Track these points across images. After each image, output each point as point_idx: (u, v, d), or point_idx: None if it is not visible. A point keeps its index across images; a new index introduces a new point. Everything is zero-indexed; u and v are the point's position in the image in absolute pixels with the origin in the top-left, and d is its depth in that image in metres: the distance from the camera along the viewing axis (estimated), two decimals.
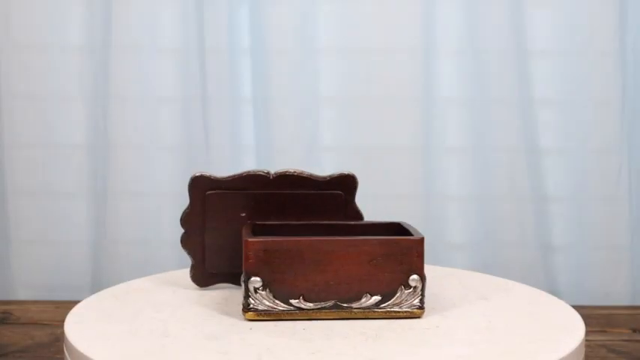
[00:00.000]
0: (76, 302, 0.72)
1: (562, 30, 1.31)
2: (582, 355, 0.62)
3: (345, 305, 0.65)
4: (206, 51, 1.29)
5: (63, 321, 0.65)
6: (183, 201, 1.39)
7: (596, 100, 1.31)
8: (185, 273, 0.76)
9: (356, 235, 0.70)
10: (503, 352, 0.57)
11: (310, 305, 0.64)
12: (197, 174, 0.73)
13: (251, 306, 0.64)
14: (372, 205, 1.32)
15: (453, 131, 1.33)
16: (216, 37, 1.29)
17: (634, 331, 1.16)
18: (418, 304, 0.66)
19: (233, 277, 0.73)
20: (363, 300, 0.65)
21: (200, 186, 0.73)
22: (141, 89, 1.31)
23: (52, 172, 1.32)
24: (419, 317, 0.66)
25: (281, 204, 0.74)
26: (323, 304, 0.64)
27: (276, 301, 0.64)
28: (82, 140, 1.32)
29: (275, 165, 1.31)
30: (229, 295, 0.72)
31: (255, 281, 0.64)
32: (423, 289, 0.66)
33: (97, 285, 1.31)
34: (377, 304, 0.65)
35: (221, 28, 1.30)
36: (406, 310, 0.65)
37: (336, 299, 0.65)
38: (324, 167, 1.33)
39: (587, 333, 0.65)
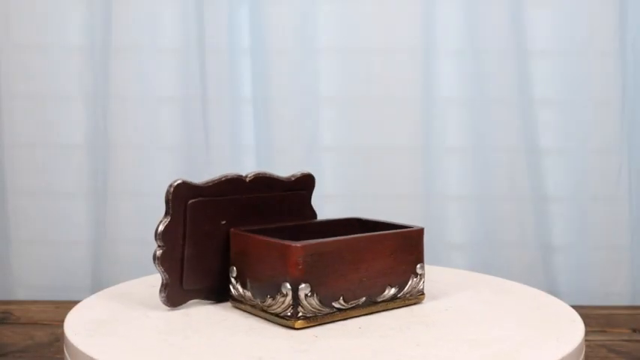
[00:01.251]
0: (76, 302, 0.72)
1: (562, 30, 1.31)
2: (582, 355, 0.62)
3: (372, 300, 0.66)
4: (206, 51, 1.30)
5: (63, 321, 0.65)
6: None
7: (596, 100, 1.31)
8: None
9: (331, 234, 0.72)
10: (502, 352, 0.57)
11: (348, 304, 0.65)
12: (178, 181, 0.66)
13: (300, 314, 0.62)
14: (373, 205, 1.33)
15: (453, 131, 1.33)
16: (216, 37, 1.29)
17: (634, 331, 1.16)
18: (422, 290, 0.70)
19: (207, 292, 0.69)
20: (386, 292, 0.67)
21: (181, 195, 0.66)
22: (141, 89, 1.31)
23: (52, 172, 1.32)
24: (421, 302, 0.70)
25: (256, 208, 0.70)
26: (357, 302, 0.65)
27: (322, 305, 0.63)
28: (82, 140, 1.33)
29: (275, 165, 1.31)
30: (214, 310, 0.68)
31: (305, 288, 0.61)
32: (424, 276, 0.70)
33: (97, 285, 1.31)
34: (395, 295, 0.68)
35: (221, 28, 1.30)
36: (415, 296, 0.69)
37: (366, 295, 0.66)
38: (324, 167, 1.33)
39: (587, 333, 0.65)
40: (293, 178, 0.74)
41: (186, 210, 0.66)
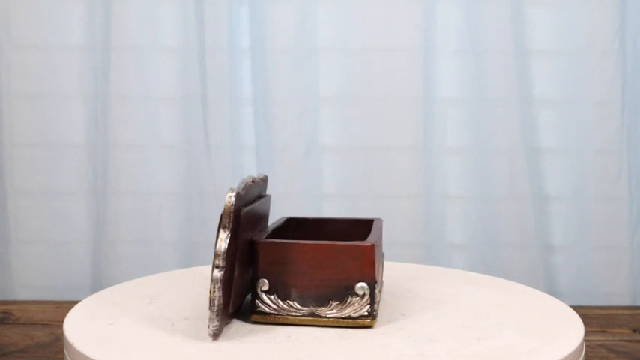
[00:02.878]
0: (76, 302, 0.72)
1: (562, 30, 1.31)
2: (582, 355, 0.62)
3: (379, 289, 0.68)
4: (206, 51, 1.30)
5: (63, 321, 0.65)
6: (183, 201, 1.40)
7: (596, 100, 1.31)
8: (189, 272, 0.76)
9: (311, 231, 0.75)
10: (502, 353, 0.57)
11: (382, 296, 0.68)
12: (236, 191, 0.58)
13: (375, 312, 0.62)
14: (373, 205, 1.33)
15: (453, 131, 1.33)
16: (216, 37, 1.29)
17: (634, 331, 1.16)
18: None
19: (234, 313, 0.64)
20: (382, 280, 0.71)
21: (237, 205, 0.59)
22: (141, 89, 1.31)
23: (52, 172, 1.33)
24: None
25: (253, 215, 0.66)
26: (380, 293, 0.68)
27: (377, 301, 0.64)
28: (82, 140, 1.33)
29: (275, 165, 1.31)
30: (247, 329, 0.63)
31: (378, 285, 0.62)
32: None
33: (97, 285, 1.31)
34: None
35: (221, 28, 1.30)
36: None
37: (380, 285, 0.69)
38: (324, 167, 1.33)
39: (587, 333, 0.65)
40: (263, 182, 0.72)
41: (239, 222, 0.60)
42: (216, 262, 0.57)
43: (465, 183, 1.33)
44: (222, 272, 0.57)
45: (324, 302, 0.62)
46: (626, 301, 1.33)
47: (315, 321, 0.62)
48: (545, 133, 1.32)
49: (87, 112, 1.32)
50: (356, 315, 0.61)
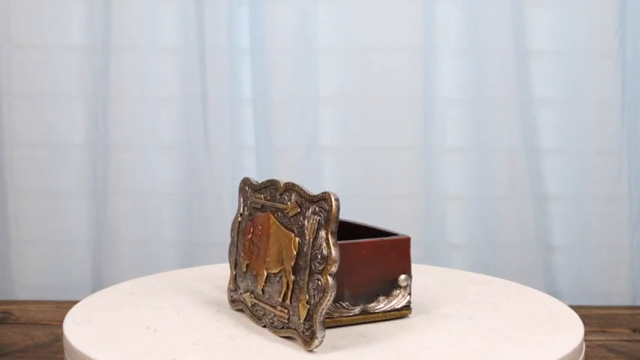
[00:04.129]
0: (76, 302, 0.72)
1: (562, 30, 1.31)
2: (582, 355, 0.62)
3: None
4: (206, 51, 1.30)
5: (63, 321, 0.65)
6: (183, 201, 1.40)
7: (596, 100, 1.31)
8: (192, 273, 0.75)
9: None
10: (502, 353, 0.57)
11: None
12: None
13: (410, 305, 0.65)
14: (372, 205, 1.33)
15: (453, 131, 1.33)
16: (216, 37, 1.29)
17: (634, 331, 1.16)
18: None
19: None
20: None
21: None
22: (141, 89, 1.31)
23: (52, 172, 1.32)
24: None
25: None
26: None
27: None
28: (81, 140, 1.33)
29: (275, 165, 1.31)
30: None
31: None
32: None
33: (97, 285, 1.31)
34: None
35: (221, 28, 1.30)
36: None
37: None
38: (323, 167, 1.33)
39: (587, 333, 0.65)
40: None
41: None
42: (332, 269, 0.55)
43: (465, 183, 1.33)
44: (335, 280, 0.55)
45: (372, 298, 0.63)
46: (626, 301, 1.33)
47: (364, 318, 0.63)
48: (545, 133, 1.32)
49: (87, 112, 1.32)
50: (399, 306, 0.64)
